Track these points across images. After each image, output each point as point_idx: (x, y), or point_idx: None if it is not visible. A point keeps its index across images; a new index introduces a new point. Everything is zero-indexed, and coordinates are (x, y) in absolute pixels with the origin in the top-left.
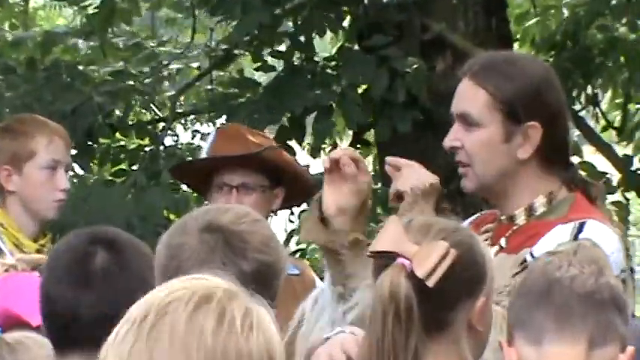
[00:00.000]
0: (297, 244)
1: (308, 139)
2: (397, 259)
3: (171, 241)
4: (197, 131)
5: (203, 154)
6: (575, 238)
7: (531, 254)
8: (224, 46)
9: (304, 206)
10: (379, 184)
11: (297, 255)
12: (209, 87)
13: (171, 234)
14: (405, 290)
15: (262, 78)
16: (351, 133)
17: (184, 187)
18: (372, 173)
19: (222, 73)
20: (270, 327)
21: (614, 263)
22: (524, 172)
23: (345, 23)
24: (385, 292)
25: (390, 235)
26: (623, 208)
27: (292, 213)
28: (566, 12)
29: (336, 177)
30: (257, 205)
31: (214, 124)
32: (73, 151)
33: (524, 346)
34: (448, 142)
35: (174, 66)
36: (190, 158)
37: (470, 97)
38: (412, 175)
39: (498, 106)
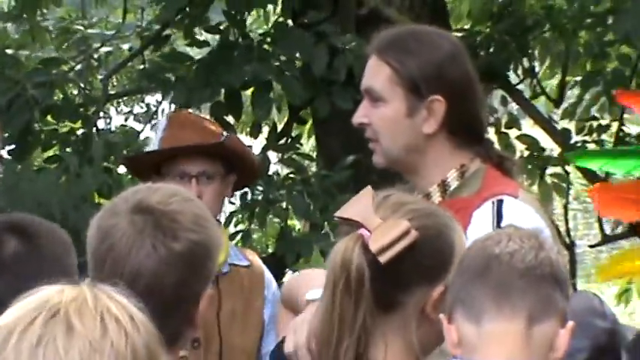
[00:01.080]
0: (236, 225)
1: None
2: (359, 229)
3: (101, 224)
4: (131, 112)
5: (155, 142)
6: (498, 224)
7: (465, 235)
8: (156, 26)
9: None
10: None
11: (238, 237)
12: (141, 66)
13: (101, 216)
14: (357, 260)
15: (198, 56)
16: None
17: (119, 170)
18: (310, 152)
19: (155, 53)
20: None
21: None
22: (432, 147)
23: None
24: (338, 260)
25: (358, 205)
26: (563, 180)
27: (233, 195)
28: None
29: None
30: (216, 193)
31: (147, 106)
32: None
33: (464, 324)
34: (356, 118)
35: (105, 49)
36: (123, 140)
37: (374, 72)
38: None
39: (400, 80)
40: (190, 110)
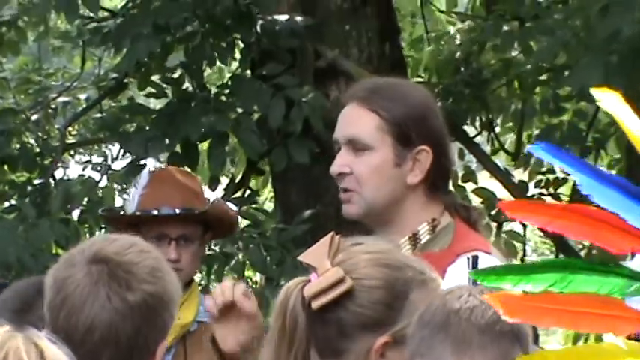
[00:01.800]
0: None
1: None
2: (313, 273)
3: (57, 275)
4: (89, 162)
5: (134, 199)
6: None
7: None
8: (114, 75)
9: None
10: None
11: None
12: (99, 115)
13: (57, 267)
14: (293, 304)
15: (158, 106)
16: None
17: (75, 219)
18: (269, 204)
19: (113, 104)
20: None
21: None
22: (411, 198)
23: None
24: (278, 302)
25: (316, 249)
26: (517, 238)
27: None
28: (459, 38)
29: (230, 314)
30: (194, 254)
31: (105, 156)
32: None
33: None
34: (336, 168)
35: (62, 98)
36: (82, 191)
37: (359, 121)
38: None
39: (390, 129)
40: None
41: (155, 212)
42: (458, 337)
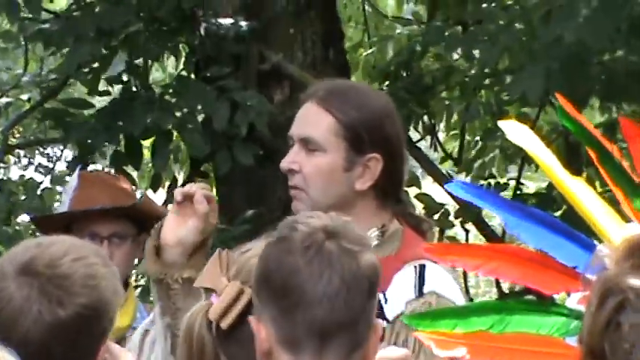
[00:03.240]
0: (136, 279)
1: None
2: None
3: None
4: (30, 163)
5: (65, 201)
6: (420, 289)
7: (384, 295)
8: (55, 76)
9: None
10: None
11: (138, 291)
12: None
13: None
14: (198, 330)
15: (98, 104)
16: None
17: (19, 220)
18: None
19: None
20: None
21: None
22: (359, 204)
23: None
24: (183, 328)
25: (208, 270)
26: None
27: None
28: (401, 42)
29: (185, 211)
30: (127, 254)
31: (48, 157)
32: None
33: None
34: (286, 164)
35: (4, 99)
36: (24, 192)
37: (315, 121)
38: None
39: (344, 132)
40: (87, 162)
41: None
42: None
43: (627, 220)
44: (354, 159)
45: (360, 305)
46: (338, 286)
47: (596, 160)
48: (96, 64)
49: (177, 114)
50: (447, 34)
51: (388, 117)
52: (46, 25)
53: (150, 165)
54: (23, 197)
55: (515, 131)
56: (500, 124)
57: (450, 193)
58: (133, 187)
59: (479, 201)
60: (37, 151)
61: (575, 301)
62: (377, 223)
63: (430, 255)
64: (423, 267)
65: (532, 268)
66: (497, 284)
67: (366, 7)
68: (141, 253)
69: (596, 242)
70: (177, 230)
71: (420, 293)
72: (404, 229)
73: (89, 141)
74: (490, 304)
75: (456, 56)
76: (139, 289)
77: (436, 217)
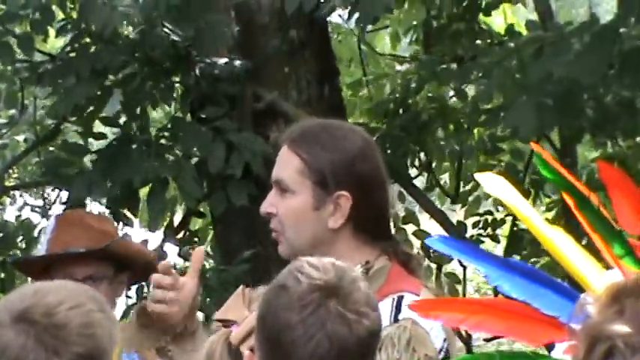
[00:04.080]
0: None
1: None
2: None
3: None
4: (26, 204)
5: (43, 243)
6: (396, 317)
7: None
8: (51, 121)
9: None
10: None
11: None
12: (37, 159)
13: None
14: (220, 354)
15: (94, 148)
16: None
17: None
18: (209, 249)
19: (50, 149)
20: None
21: (436, 337)
22: (338, 242)
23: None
24: (204, 351)
25: (230, 304)
26: (457, 279)
27: (129, 288)
28: (398, 80)
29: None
30: (106, 295)
31: (44, 199)
32: None
33: None
34: (263, 208)
35: (0, 141)
36: (19, 233)
37: (285, 163)
38: None
39: (309, 173)
40: (82, 205)
41: (59, 252)
42: None
43: (608, 267)
44: (323, 198)
45: None
46: (327, 350)
47: (574, 206)
48: (91, 107)
49: (172, 159)
50: (440, 68)
51: (361, 155)
52: (41, 67)
53: (146, 205)
54: (20, 238)
55: (492, 183)
56: (477, 176)
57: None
58: (130, 227)
59: (459, 254)
60: (33, 192)
61: (561, 351)
62: (360, 260)
63: (416, 311)
64: (400, 297)
65: (516, 319)
66: None
67: (362, 46)
68: (120, 292)
69: (578, 292)
70: (175, 316)
71: (396, 320)
72: (392, 265)
73: (86, 197)
74: (477, 357)
75: (450, 94)
76: None
77: (433, 253)
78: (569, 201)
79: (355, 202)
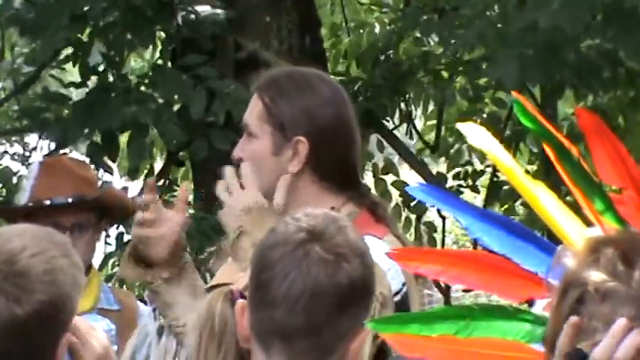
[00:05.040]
0: (112, 267)
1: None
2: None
3: None
4: (6, 152)
5: (26, 189)
6: None
7: None
8: (30, 68)
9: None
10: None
11: (115, 278)
12: (16, 107)
13: None
14: (221, 307)
15: (74, 97)
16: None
17: None
18: (190, 196)
19: (29, 94)
20: None
21: (392, 279)
22: (299, 188)
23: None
24: (203, 310)
25: (224, 270)
26: (434, 230)
27: (108, 235)
28: (378, 28)
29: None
30: (89, 242)
31: (24, 146)
32: None
33: None
34: (234, 152)
35: None
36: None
37: (251, 108)
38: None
39: (269, 118)
40: (64, 153)
41: (47, 202)
42: None
43: (589, 223)
44: (282, 143)
45: (323, 316)
46: (300, 291)
47: (554, 159)
48: (70, 50)
49: (153, 105)
50: (422, 19)
51: (324, 101)
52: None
53: (126, 153)
54: (0, 185)
55: (475, 134)
56: (459, 125)
57: (425, 180)
58: (110, 174)
59: (441, 204)
60: (13, 140)
61: (540, 307)
62: (324, 206)
63: (393, 259)
64: None
65: (495, 274)
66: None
67: None
68: (99, 237)
69: (557, 246)
70: (158, 245)
71: None
72: (358, 212)
73: (66, 138)
74: (454, 309)
75: (432, 43)
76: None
77: (413, 203)
78: (550, 152)
79: (315, 148)
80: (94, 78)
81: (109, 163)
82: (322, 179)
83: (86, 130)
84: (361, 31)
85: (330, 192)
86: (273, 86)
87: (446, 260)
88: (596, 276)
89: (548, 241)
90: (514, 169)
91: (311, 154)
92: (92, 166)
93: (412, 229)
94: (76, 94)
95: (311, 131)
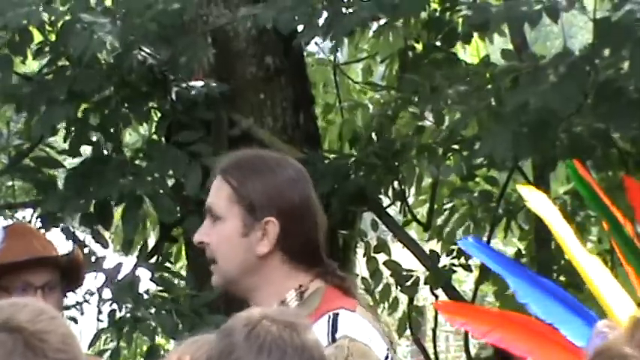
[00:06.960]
0: (105, 343)
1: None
2: None
3: None
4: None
5: None
6: (333, 335)
7: None
8: (22, 142)
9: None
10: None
11: (107, 354)
12: (10, 183)
13: None
14: None
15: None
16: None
17: None
18: (181, 270)
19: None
20: None
21: (377, 349)
22: (267, 268)
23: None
24: None
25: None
26: (420, 312)
27: (100, 312)
28: (372, 109)
29: None
30: (58, 302)
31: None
32: None
33: None
34: (197, 236)
35: None
36: None
37: (216, 191)
38: None
39: (238, 200)
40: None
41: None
42: None
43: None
44: (251, 224)
45: None
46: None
47: (608, 231)
48: (72, 128)
49: (149, 178)
50: (417, 95)
51: (292, 183)
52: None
53: (120, 228)
54: None
55: (534, 198)
56: (519, 188)
57: (418, 258)
58: (104, 247)
59: (491, 263)
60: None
61: None
62: (293, 285)
63: (440, 311)
64: (336, 315)
65: (542, 343)
66: (467, 349)
67: (337, 73)
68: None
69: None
70: None
71: (333, 339)
72: (326, 287)
73: (59, 214)
74: None
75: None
76: (108, 352)
77: (409, 284)
78: (605, 225)
79: (284, 228)
80: (88, 149)
81: (105, 235)
82: (292, 259)
83: (81, 206)
84: (355, 112)
85: (298, 271)
86: (239, 168)
87: (494, 321)
88: (627, 351)
89: (593, 314)
90: (568, 239)
91: (280, 234)
92: (88, 238)
93: (406, 309)
94: (69, 163)
95: (280, 212)
